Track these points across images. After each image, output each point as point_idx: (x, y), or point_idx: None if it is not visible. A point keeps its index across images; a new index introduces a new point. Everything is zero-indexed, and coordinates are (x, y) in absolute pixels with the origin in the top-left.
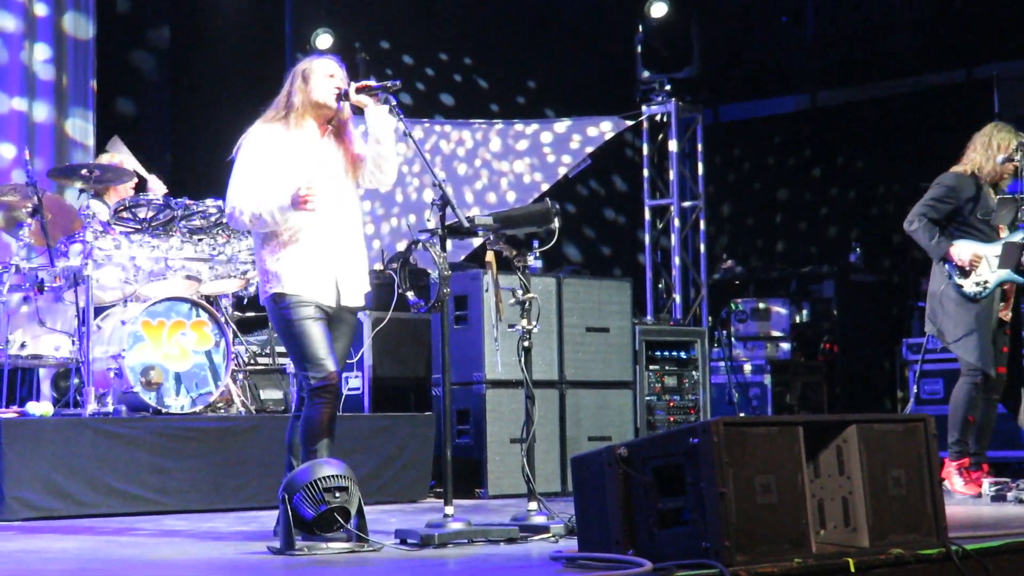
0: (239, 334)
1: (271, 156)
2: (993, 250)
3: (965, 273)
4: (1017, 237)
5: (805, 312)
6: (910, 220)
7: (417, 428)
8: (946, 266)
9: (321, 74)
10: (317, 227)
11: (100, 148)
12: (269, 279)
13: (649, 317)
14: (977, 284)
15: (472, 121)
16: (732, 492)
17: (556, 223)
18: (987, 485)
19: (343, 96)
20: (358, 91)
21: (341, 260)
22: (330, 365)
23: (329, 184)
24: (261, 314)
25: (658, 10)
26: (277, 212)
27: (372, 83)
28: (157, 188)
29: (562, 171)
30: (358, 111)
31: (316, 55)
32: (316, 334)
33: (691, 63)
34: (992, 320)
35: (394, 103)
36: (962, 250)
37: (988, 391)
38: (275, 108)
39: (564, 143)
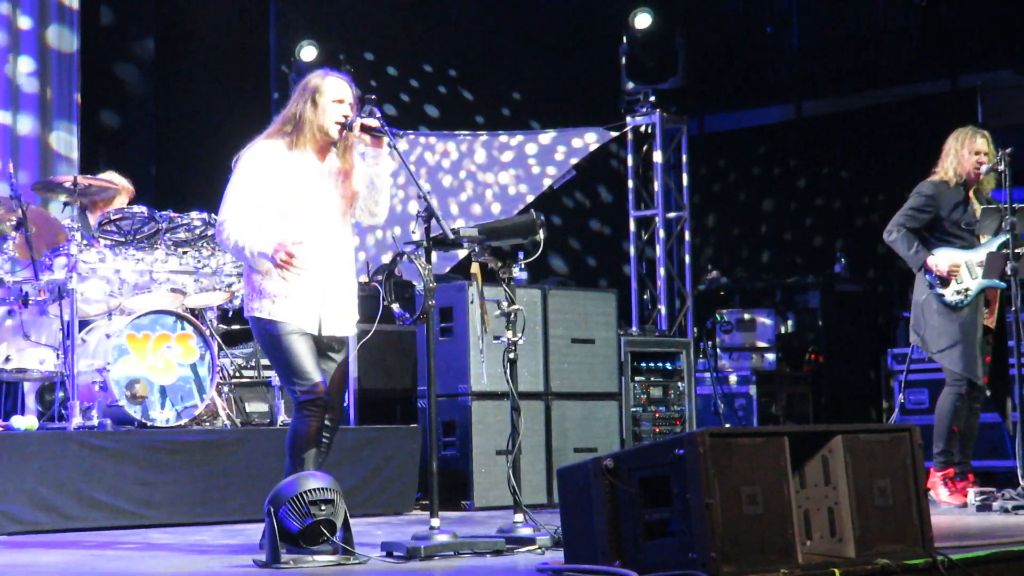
0: (224, 347)
1: (269, 177)
2: (974, 256)
3: (945, 282)
4: (995, 245)
5: (790, 322)
6: (889, 230)
7: (403, 440)
8: (927, 276)
9: (330, 98)
10: (307, 252)
11: (84, 161)
12: (254, 298)
13: (634, 328)
14: (958, 292)
15: (457, 133)
16: (718, 503)
17: (541, 234)
18: (972, 495)
19: (347, 127)
20: (362, 129)
21: (327, 292)
22: (316, 377)
23: (324, 212)
24: (246, 327)
25: (642, 21)
26: (256, 256)
27: (375, 124)
28: None
29: (547, 182)
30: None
31: (325, 71)
32: (301, 348)
33: (676, 74)
34: (978, 328)
35: (379, 115)
36: (940, 260)
37: (972, 400)
38: (281, 122)
39: (549, 154)
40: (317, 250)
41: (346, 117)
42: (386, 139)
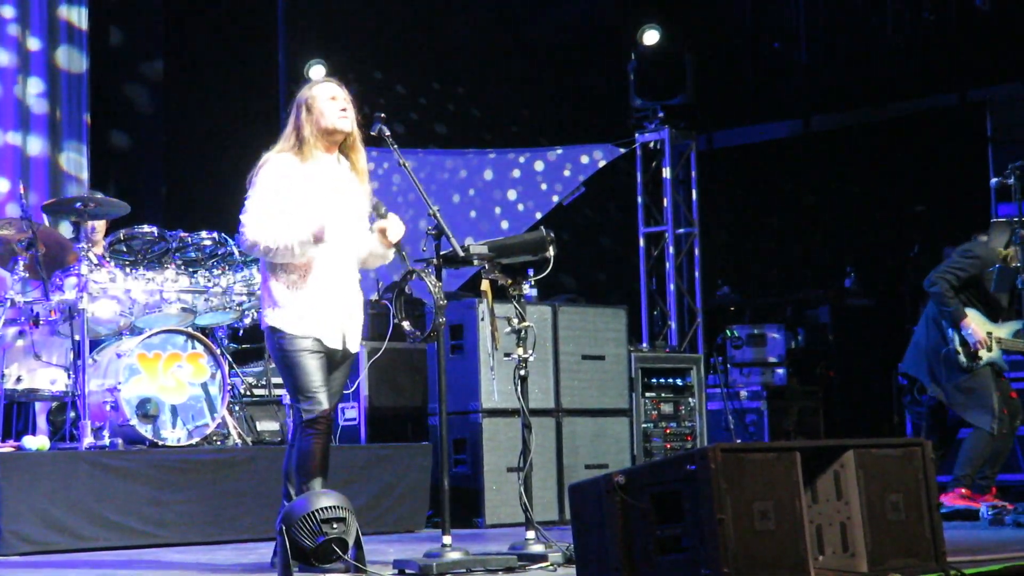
0: (235, 366)
1: (287, 187)
2: (996, 331)
3: (967, 345)
4: (1019, 325)
5: (800, 337)
6: (933, 282)
7: (414, 458)
8: (949, 330)
9: (324, 99)
10: (329, 264)
11: (94, 181)
12: (274, 309)
13: (645, 344)
14: (971, 358)
15: (466, 150)
16: (730, 518)
17: (551, 251)
18: (985, 508)
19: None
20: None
21: (348, 307)
22: (322, 398)
23: (343, 215)
24: (257, 345)
25: (650, 37)
26: (297, 246)
27: (393, 236)
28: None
29: (556, 199)
30: (369, 141)
31: (315, 81)
32: (311, 366)
33: (684, 90)
34: (990, 375)
35: (388, 133)
36: (977, 327)
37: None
38: (286, 139)
39: (557, 172)
40: (339, 255)
41: (344, 110)
42: (398, 246)
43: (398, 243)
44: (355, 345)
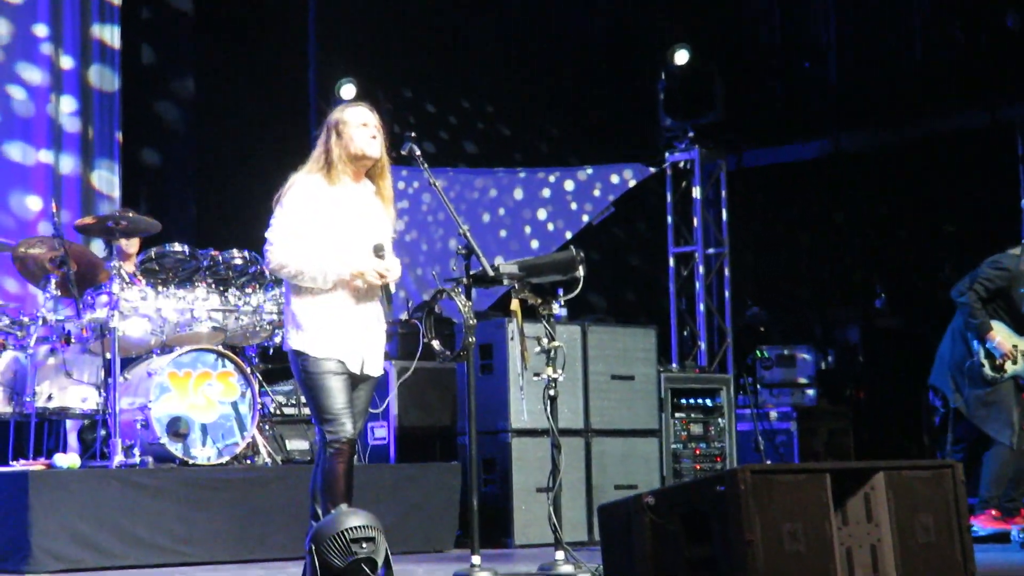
0: (265, 384)
1: (314, 208)
2: (1022, 343)
3: (992, 358)
4: None
5: (831, 358)
6: (961, 292)
7: (443, 477)
8: (975, 342)
9: (355, 124)
10: (353, 288)
11: (125, 199)
12: (298, 332)
13: (674, 364)
14: (997, 370)
15: (495, 169)
16: (759, 540)
17: (581, 271)
18: (1016, 531)
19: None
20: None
21: (370, 331)
22: (345, 419)
23: (368, 240)
24: (287, 364)
25: (681, 57)
26: (332, 275)
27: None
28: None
29: (585, 219)
30: (399, 160)
31: (347, 104)
32: (335, 389)
33: (714, 109)
34: (1011, 390)
35: (418, 152)
36: (1003, 339)
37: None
38: (314, 161)
39: (587, 191)
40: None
41: (374, 137)
42: (386, 287)
43: (386, 284)
44: (375, 369)
